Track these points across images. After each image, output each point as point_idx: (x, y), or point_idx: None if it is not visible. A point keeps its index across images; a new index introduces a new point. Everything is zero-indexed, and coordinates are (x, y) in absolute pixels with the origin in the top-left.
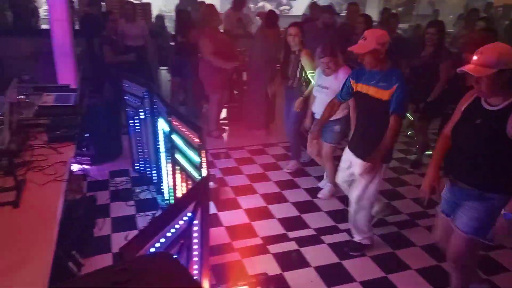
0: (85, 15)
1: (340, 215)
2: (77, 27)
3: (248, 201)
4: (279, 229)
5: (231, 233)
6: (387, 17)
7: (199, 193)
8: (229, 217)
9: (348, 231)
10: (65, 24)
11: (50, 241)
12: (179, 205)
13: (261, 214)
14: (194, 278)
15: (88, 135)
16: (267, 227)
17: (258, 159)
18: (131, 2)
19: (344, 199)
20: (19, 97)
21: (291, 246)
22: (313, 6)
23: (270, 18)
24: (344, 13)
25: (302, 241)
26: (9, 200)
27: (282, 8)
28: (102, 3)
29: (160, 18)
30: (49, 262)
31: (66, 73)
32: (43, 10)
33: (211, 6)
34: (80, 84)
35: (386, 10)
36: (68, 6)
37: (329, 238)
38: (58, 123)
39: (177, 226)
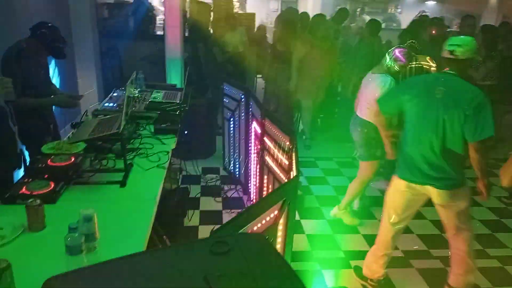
0: (193, 22)
1: (431, 239)
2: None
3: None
4: (363, 245)
5: (312, 242)
6: (507, 31)
7: (288, 193)
8: (311, 226)
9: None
10: (177, 30)
11: (148, 219)
12: (268, 200)
13: (346, 227)
14: (288, 263)
15: (187, 132)
16: (350, 241)
17: (346, 171)
18: (234, 15)
19: None
20: (135, 92)
21: None
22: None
23: (372, 27)
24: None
25: (392, 262)
26: (118, 180)
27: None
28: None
29: (262, 28)
30: (146, 238)
31: (174, 74)
32: (158, 18)
33: (322, 16)
34: (185, 85)
35: (506, 25)
36: (181, 14)
37: (417, 263)
38: (164, 117)
39: (263, 221)
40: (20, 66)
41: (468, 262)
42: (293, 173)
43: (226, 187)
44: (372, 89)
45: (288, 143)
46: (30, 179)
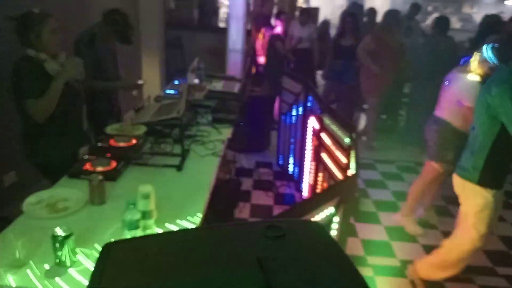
0: (257, 14)
1: (497, 256)
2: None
3: (390, 219)
4: (422, 256)
5: (367, 247)
6: None
7: (345, 191)
8: (366, 230)
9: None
10: (240, 22)
11: (201, 205)
12: (323, 196)
13: (403, 235)
14: (347, 255)
15: (242, 124)
16: (407, 251)
17: (407, 177)
18: (307, 9)
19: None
20: (195, 81)
21: None
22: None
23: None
24: None
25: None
26: (174, 164)
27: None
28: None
29: (326, 23)
30: (199, 223)
31: (234, 66)
32: (222, 11)
33: (395, 12)
34: (244, 77)
35: None
36: (245, 6)
37: (480, 280)
38: (222, 107)
39: (317, 217)
40: (91, 50)
41: (440, 254)
42: (351, 172)
43: (278, 183)
44: (455, 90)
45: (347, 140)
46: (94, 157)
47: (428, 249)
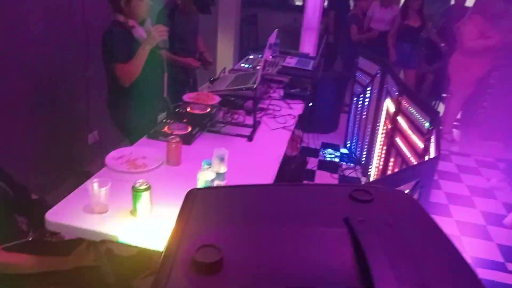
0: None
1: None
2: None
3: (463, 213)
4: (495, 256)
5: None
6: None
7: (424, 174)
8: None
9: None
10: (318, 1)
11: (272, 174)
12: (399, 176)
13: (476, 232)
14: (445, 233)
15: (311, 104)
16: (479, 248)
17: (485, 172)
18: None
19: None
20: (270, 57)
21: (507, 278)
22: None
23: None
24: None
25: None
26: (246, 134)
27: None
28: None
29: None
30: None
31: (308, 44)
32: None
33: None
34: (318, 55)
35: None
36: None
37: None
38: (294, 83)
39: None
40: (173, 21)
41: None
42: (430, 156)
43: (344, 165)
44: None
45: (427, 125)
46: (172, 121)
47: (504, 249)
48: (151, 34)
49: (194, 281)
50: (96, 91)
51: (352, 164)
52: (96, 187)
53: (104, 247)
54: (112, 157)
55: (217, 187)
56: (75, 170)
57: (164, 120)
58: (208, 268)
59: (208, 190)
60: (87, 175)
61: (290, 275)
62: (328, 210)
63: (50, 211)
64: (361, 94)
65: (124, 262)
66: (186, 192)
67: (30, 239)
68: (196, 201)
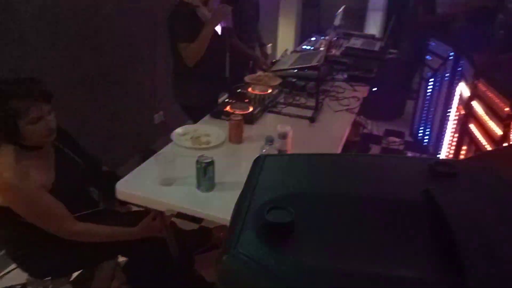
0: None
1: None
2: None
3: None
4: None
5: None
6: None
7: (504, 162)
8: None
9: None
10: None
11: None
12: (478, 160)
13: None
14: None
15: (376, 89)
16: None
17: None
18: None
19: None
20: (334, 38)
21: None
22: None
23: None
24: None
25: None
26: (307, 116)
27: None
28: None
29: None
30: None
31: (374, 26)
32: None
33: None
34: (386, 37)
35: None
36: None
37: None
38: (359, 65)
39: None
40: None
41: None
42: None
43: (409, 154)
44: None
45: (507, 109)
46: (234, 101)
47: None
48: (216, 14)
49: (264, 243)
50: (163, 72)
51: (418, 154)
52: (162, 162)
53: (168, 220)
54: (177, 133)
55: (286, 154)
56: (142, 147)
57: (226, 100)
58: (280, 230)
59: (277, 156)
60: (153, 153)
61: (363, 249)
62: (406, 180)
63: (120, 181)
64: (431, 78)
65: (187, 235)
66: (249, 165)
67: (101, 208)
68: (265, 167)
